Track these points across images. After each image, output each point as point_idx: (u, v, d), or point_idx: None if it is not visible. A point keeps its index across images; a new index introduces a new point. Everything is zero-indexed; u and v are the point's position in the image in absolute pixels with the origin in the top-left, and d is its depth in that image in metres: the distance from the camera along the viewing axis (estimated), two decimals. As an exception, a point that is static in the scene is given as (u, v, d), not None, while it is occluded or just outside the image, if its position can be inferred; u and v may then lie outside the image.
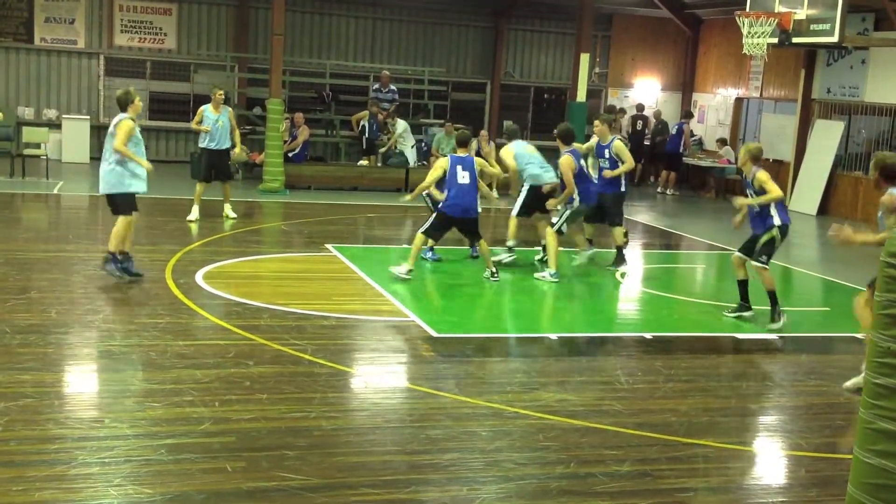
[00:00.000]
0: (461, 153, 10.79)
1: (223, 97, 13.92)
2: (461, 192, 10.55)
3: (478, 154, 19.20)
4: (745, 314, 9.65)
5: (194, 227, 13.11)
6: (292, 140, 18.84)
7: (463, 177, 10.58)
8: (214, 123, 13.69)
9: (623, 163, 11.60)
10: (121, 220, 9.66)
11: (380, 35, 22.27)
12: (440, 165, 10.79)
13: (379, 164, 19.55)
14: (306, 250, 12.30)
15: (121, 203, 9.72)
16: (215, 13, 21.23)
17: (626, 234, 12.22)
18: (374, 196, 17.68)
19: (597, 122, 11.81)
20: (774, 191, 9.15)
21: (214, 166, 13.90)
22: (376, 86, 20.49)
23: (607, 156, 11.69)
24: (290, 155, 18.46)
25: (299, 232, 13.80)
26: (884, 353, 3.90)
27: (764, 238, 9.34)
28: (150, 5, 20.71)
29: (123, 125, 9.51)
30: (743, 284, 9.64)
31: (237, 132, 14.13)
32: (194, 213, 13.57)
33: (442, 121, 20.67)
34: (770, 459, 6.38)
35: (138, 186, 9.74)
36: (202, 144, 13.91)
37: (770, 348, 9.09)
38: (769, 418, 7.15)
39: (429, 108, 21.43)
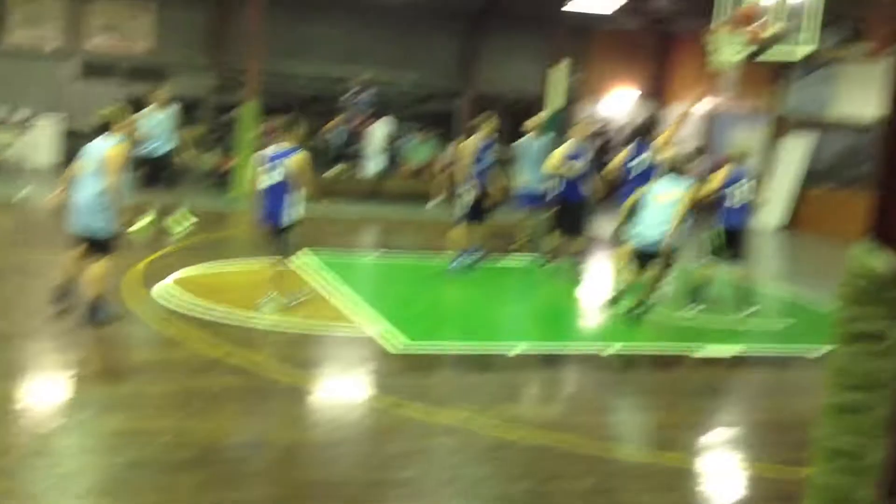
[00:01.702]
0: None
1: (168, 97, 13.42)
2: None
3: (452, 163, 19.30)
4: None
5: (145, 234, 12.75)
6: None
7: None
8: (160, 125, 13.20)
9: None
10: (105, 261, 8.30)
11: (356, 41, 22.23)
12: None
13: (352, 171, 19.53)
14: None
15: (112, 244, 8.39)
16: (193, 16, 21.12)
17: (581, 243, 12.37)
18: (345, 203, 17.62)
19: (576, 128, 12.02)
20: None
21: (158, 170, 13.23)
22: (352, 92, 20.44)
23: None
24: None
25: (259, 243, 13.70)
26: (842, 370, 3.95)
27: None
28: (126, 7, 20.57)
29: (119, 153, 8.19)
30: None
31: (182, 133, 13.50)
32: (146, 219, 12.99)
33: (416, 128, 20.68)
34: (729, 475, 6.42)
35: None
36: (145, 148, 12.95)
37: (731, 364, 9.15)
38: (728, 433, 7.19)
39: (403, 115, 21.43)
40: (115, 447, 5.79)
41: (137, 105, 12.65)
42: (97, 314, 8.20)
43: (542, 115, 12.04)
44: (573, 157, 11.85)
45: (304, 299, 9.38)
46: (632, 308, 9.90)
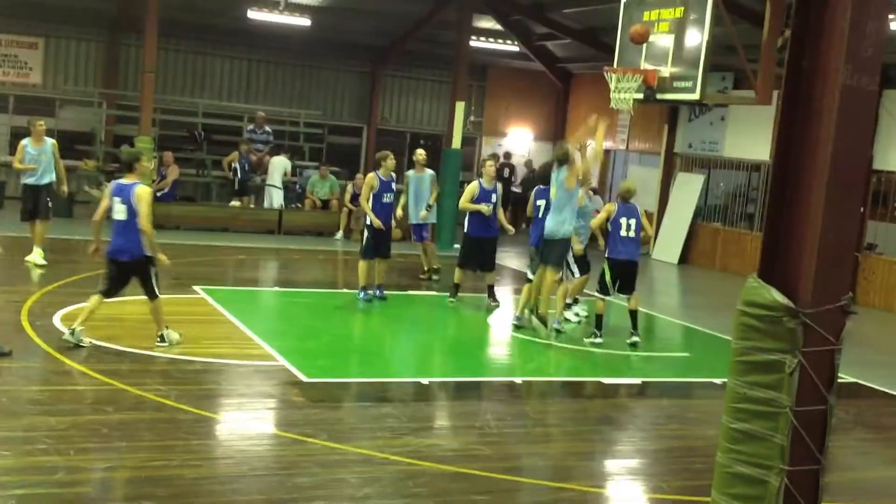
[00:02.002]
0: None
1: (45, 129, 13.16)
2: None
3: (354, 198, 19.29)
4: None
5: (40, 270, 12.39)
6: (161, 179, 18.42)
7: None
8: (37, 158, 12.88)
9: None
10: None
11: (255, 76, 22.11)
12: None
13: (251, 206, 19.30)
14: (173, 292, 11.94)
15: None
16: (84, 49, 20.66)
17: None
18: (246, 238, 17.40)
19: (485, 169, 12.39)
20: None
21: (33, 202, 12.89)
22: (251, 126, 20.28)
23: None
24: (158, 194, 18.03)
25: (166, 273, 13.39)
26: (740, 399, 4.05)
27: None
28: (16, 38, 19.99)
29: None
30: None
31: (61, 166, 13.16)
32: (36, 254, 12.66)
33: (317, 163, 20.61)
34: (633, 502, 6.50)
35: None
36: (24, 181, 12.96)
37: (633, 393, 9.31)
38: (632, 462, 7.30)
39: (304, 150, 21.33)
40: (5, 484, 5.52)
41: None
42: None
43: (422, 152, 12.29)
44: (485, 195, 12.09)
45: (181, 340, 9.05)
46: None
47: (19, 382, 7.51)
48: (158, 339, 8.93)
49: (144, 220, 8.61)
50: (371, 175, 12.19)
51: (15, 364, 8.00)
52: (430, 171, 13.64)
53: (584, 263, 11.78)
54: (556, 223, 10.60)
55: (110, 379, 7.77)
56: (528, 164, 23.18)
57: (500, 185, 12.70)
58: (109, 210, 8.81)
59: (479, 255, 12.28)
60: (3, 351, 8.17)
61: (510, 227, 12.99)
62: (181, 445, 6.45)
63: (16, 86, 20.13)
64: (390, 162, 12.10)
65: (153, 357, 8.58)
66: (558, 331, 11.08)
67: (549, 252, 10.71)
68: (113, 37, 20.62)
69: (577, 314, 12.03)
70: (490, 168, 12.40)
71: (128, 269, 8.82)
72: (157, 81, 17.99)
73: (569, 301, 11.92)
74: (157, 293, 8.92)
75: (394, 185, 12.27)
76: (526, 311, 10.99)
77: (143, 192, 8.68)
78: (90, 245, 9.13)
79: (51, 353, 8.43)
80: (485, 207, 12.05)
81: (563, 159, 10.80)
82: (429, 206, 13.54)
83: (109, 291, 8.93)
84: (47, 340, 8.80)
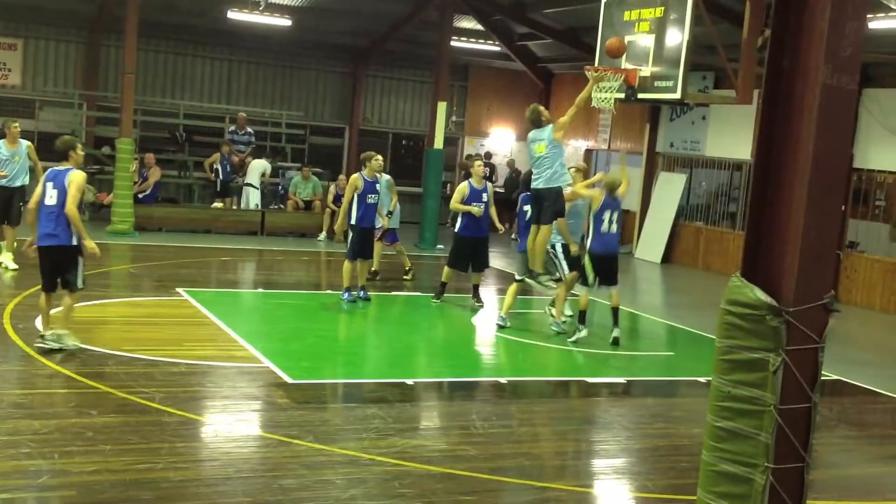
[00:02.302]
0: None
1: (19, 130, 12.95)
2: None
3: (337, 199, 19.25)
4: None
5: (14, 273, 12.29)
6: (143, 181, 18.33)
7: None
8: (10, 160, 12.69)
9: None
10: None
11: (237, 77, 22.03)
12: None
13: (234, 207, 19.25)
14: (156, 294, 11.92)
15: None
16: (63, 50, 20.53)
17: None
18: (228, 239, 17.35)
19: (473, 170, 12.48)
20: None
21: (4, 205, 12.71)
22: (232, 128, 20.23)
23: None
24: (140, 196, 17.96)
25: (149, 275, 13.39)
26: (724, 397, 4.07)
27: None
28: (-7, 39, 19.87)
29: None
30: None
31: (39, 167, 12.77)
32: (6, 258, 12.55)
33: (299, 164, 20.57)
34: (618, 501, 6.53)
35: None
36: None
37: (618, 392, 9.35)
38: (618, 461, 7.33)
39: (286, 151, 21.29)
40: (-12, 490, 5.49)
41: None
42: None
43: (379, 158, 12.22)
44: (476, 195, 12.10)
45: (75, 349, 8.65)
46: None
47: (2, 386, 7.46)
48: (49, 336, 8.53)
49: (71, 202, 8.44)
50: (355, 176, 12.16)
51: (-3, 368, 7.95)
52: (387, 177, 13.53)
53: (573, 261, 11.75)
54: (552, 176, 10.60)
55: (94, 382, 7.73)
56: (511, 163, 23.22)
57: (490, 185, 12.72)
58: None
59: (472, 255, 12.32)
60: None
61: (501, 226, 13.20)
62: (166, 448, 6.43)
63: (-6, 87, 19.98)
64: (375, 163, 12.07)
65: (137, 359, 8.54)
66: (559, 332, 11.14)
67: (543, 209, 10.61)
68: (92, 37, 20.49)
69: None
70: (479, 168, 12.42)
71: (55, 256, 8.58)
72: (137, 82, 17.91)
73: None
74: (79, 287, 8.66)
75: (378, 186, 12.25)
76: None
77: (75, 177, 8.57)
78: (25, 242, 8.96)
79: (33, 357, 8.38)
80: (475, 208, 12.05)
81: (537, 119, 10.91)
82: (389, 213, 13.41)
83: (48, 285, 8.72)
84: (30, 343, 8.75)
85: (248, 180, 19.13)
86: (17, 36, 20.02)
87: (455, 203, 12.28)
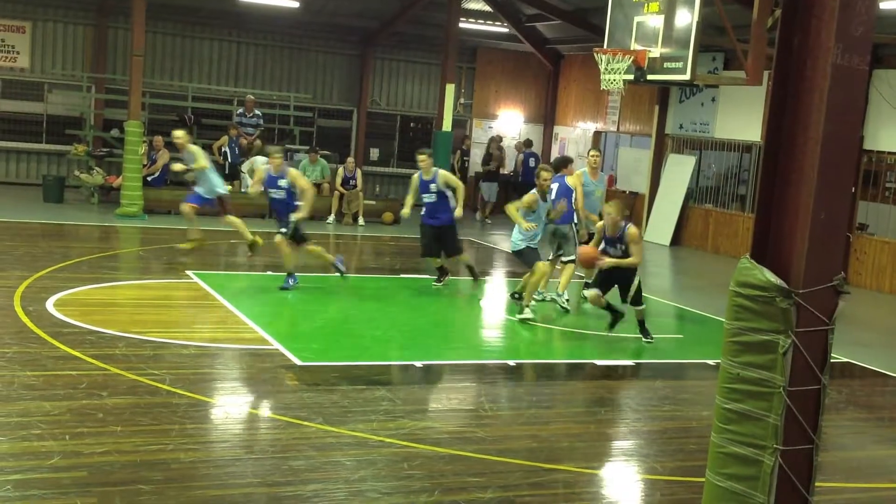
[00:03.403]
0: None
1: None
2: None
3: (347, 182, 19.25)
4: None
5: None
6: (151, 164, 18.34)
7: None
8: None
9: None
10: None
11: (244, 59, 22.00)
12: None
13: (243, 190, 19.24)
14: (165, 276, 11.96)
15: None
16: (72, 32, 20.53)
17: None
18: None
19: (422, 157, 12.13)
20: (638, 256, 9.90)
21: None
22: (240, 110, 20.21)
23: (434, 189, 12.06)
24: (149, 179, 17.98)
25: (158, 258, 13.41)
26: (733, 379, 4.07)
27: (636, 282, 10.05)
28: (3, 23, 19.85)
29: None
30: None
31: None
32: None
33: (307, 147, 20.55)
34: (627, 483, 6.54)
35: None
36: None
37: (627, 374, 9.36)
38: (626, 443, 7.34)
39: (295, 133, 21.27)
40: (1, 469, 5.52)
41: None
42: None
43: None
44: (423, 186, 12.09)
45: None
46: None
47: (14, 368, 7.50)
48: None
49: None
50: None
51: (8, 350, 8.00)
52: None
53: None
54: (521, 236, 11.00)
55: (104, 364, 7.77)
56: (528, 143, 22.97)
57: (441, 174, 12.10)
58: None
59: (437, 242, 12.26)
60: None
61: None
62: (176, 429, 6.46)
63: (3, 70, 20.00)
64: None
65: (147, 342, 8.58)
66: (566, 309, 11.43)
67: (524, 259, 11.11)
68: (100, 20, 20.48)
69: (553, 298, 11.87)
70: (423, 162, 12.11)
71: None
72: (145, 65, 17.91)
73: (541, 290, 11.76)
74: None
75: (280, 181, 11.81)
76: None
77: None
78: None
79: (44, 339, 8.42)
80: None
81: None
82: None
83: None
84: (40, 325, 8.80)
85: (245, 169, 19.09)
86: (26, 18, 20.02)
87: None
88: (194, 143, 13.87)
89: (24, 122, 20.34)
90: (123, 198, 16.90)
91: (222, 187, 13.37)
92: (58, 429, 6.24)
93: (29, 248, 12.78)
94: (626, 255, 9.82)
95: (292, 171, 11.73)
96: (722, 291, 4.24)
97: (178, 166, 13.38)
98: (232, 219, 13.04)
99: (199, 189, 13.13)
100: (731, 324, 4.09)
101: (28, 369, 7.51)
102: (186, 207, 13.05)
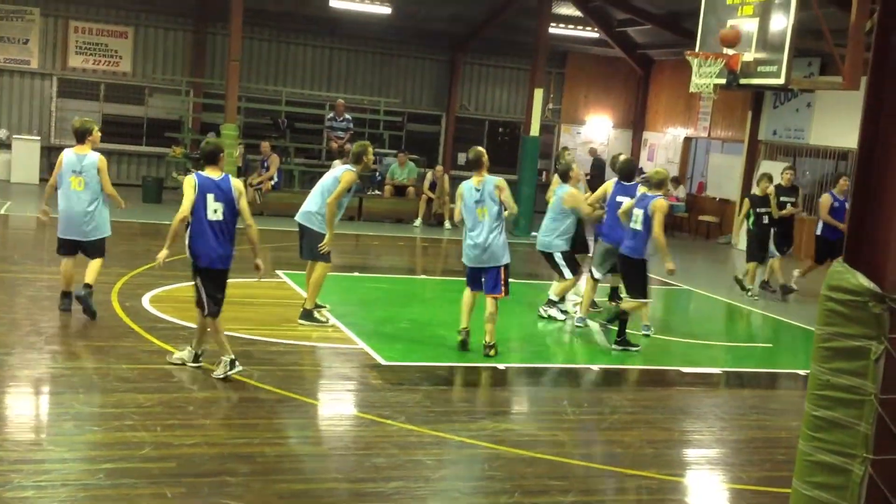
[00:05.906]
0: None
1: None
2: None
3: (433, 187, 19.37)
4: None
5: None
6: (264, 171, 18.65)
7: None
8: None
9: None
10: (101, 260, 9.32)
11: (337, 64, 22.33)
12: None
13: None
14: (256, 275, 12.18)
15: (103, 245, 9.39)
16: (172, 37, 21.16)
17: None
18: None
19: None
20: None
21: None
22: (331, 114, 20.51)
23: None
24: (271, 185, 18.43)
25: (249, 258, 13.65)
26: (823, 386, 3.97)
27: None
28: (106, 28, 20.58)
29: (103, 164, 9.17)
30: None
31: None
32: None
33: (395, 151, 20.75)
34: (711, 492, 6.43)
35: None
36: None
37: (713, 382, 9.19)
38: (711, 451, 7.21)
39: (384, 137, 21.49)
40: (94, 458, 5.73)
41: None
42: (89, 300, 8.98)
43: None
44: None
45: None
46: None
47: (109, 360, 7.76)
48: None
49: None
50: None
51: (105, 343, 8.28)
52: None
53: (574, 265, 11.10)
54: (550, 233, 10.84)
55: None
56: (593, 151, 22.87)
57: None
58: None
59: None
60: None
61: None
62: (263, 424, 6.60)
63: (106, 74, 20.71)
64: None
65: (236, 338, 8.77)
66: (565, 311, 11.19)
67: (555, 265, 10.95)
68: (199, 26, 21.06)
69: (562, 311, 11.29)
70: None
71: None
72: (241, 70, 18.31)
73: (554, 298, 11.25)
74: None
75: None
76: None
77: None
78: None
79: (139, 333, 8.70)
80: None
81: (565, 175, 10.93)
82: None
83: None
84: (136, 321, 9.09)
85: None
86: (128, 24, 20.71)
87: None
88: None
89: (126, 124, 21.04)
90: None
91: None
92: (149, 420, 6.43)
93: (128, 247, 13.20)
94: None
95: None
96: (815, 299, 4.14)
97: None
98: None
99: None
100: (821, 329, 3.99)
101: (123, 362, 7.76)
102: None
